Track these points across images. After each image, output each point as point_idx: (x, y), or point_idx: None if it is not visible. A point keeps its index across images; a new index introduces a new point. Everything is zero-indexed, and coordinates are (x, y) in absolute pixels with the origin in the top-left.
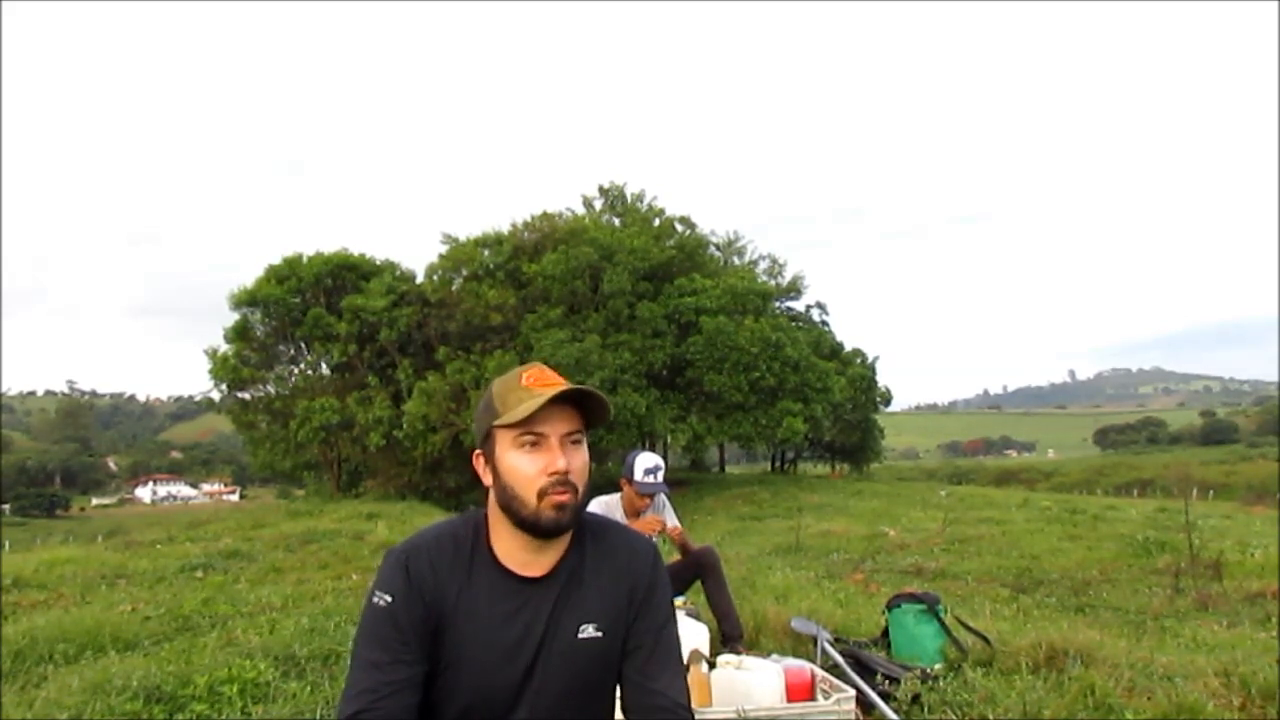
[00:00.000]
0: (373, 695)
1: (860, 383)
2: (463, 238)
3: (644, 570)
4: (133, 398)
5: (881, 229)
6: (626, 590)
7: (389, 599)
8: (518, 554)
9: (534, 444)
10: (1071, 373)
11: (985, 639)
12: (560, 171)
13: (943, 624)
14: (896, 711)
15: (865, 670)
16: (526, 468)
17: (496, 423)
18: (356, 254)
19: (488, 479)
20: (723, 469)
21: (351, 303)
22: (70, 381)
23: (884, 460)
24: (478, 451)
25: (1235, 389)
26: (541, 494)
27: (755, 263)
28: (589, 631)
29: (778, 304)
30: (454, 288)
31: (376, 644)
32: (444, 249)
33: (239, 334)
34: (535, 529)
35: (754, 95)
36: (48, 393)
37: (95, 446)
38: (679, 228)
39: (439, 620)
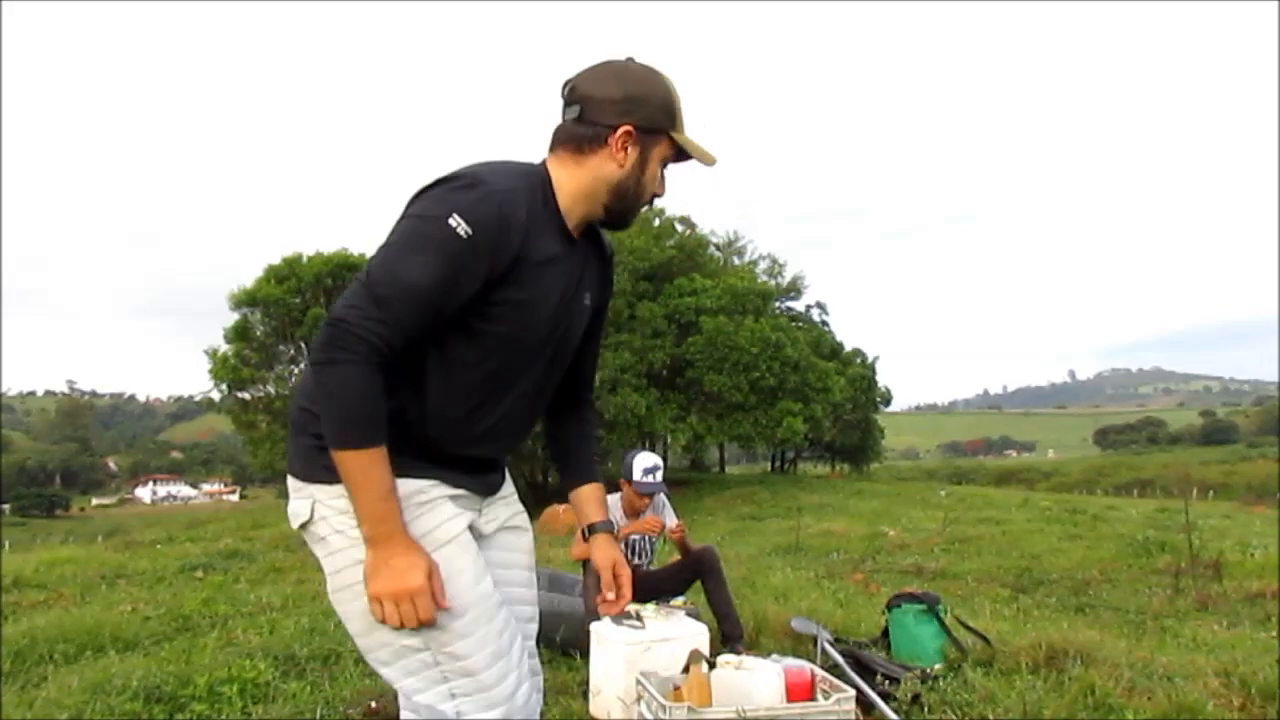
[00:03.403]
0: (396, 323)
1: (860, 383)
2: None
3: (612, 268)
4: (133, 398)
5: (881, 229)
6: (606, 280)
7: (469, 233)
8: (573, 219)
9: (665, 171)
10: (1071, 373)
11: (985, 639)
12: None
13: (943, 624)
14: (896, 711)
15: (865, 670)
16: (654, 187)
17: (674, 133)
18: (356, 254)
19: (622, 157)
20: (723, 469)
21: None
22: (70, 381)
23: (884, 460)
24: (629, 127)
25: (1235, 389)
26: (639, 206)
27: (755, 263)
28: (586, 300)
29: (778, 304)
30: None
31: (436, 273)
32: None
33: (239, 334)
34: (609, 222)
35: (754, 95)
36: (48, 393)
37: (95, 446)
38: (679, 228)
39: (510, 267)
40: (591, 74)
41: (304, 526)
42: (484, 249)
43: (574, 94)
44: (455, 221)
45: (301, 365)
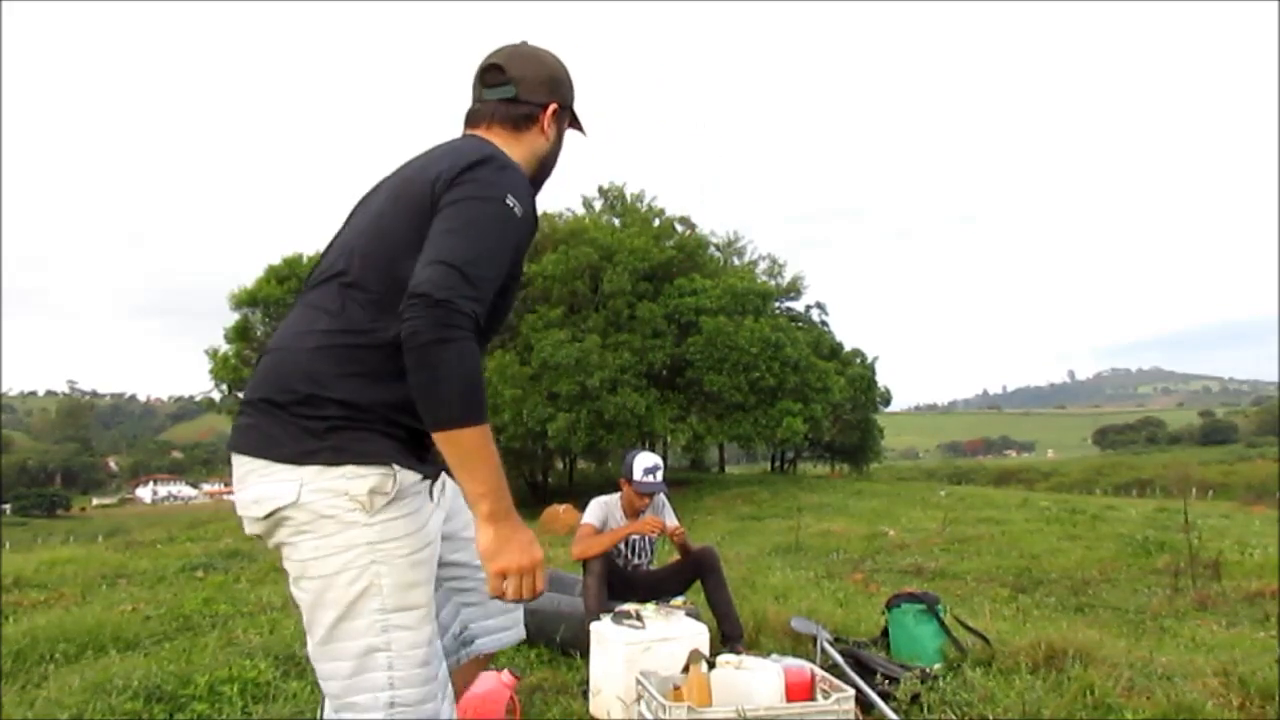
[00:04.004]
0: (485, 301)
1: (860, 383)
2: None
3: None
4: (133, 398)
5: (881, 229)
6: None
7: (522, 211)
8: None
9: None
10: (1071, 373)
11: (985, 639)
12: (560, 171)
13: (942, 624)
14: (896, 711)
15: (865, 670)
16: (561, 157)
17: (575, 108)
18: None
19: (550, 132)
20: (723, 469)
21: None
22: (71, 381)
23: (884, 460)
24: (556, 105)
25: (1234, 389)
26: (551, 175)
27: (755, 263)
28: None
29: (778, 304)
30: None
31: (508, 252)
32: None
33: (239, 334)
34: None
35: (756, 96)
36: (48, 393)
37: (96, 446)
38: (679, 228)
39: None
40: (514, 57)
41: (276, 512)
42: (530, 225)
43: (503, 76)
44: (511, 201)
45: None
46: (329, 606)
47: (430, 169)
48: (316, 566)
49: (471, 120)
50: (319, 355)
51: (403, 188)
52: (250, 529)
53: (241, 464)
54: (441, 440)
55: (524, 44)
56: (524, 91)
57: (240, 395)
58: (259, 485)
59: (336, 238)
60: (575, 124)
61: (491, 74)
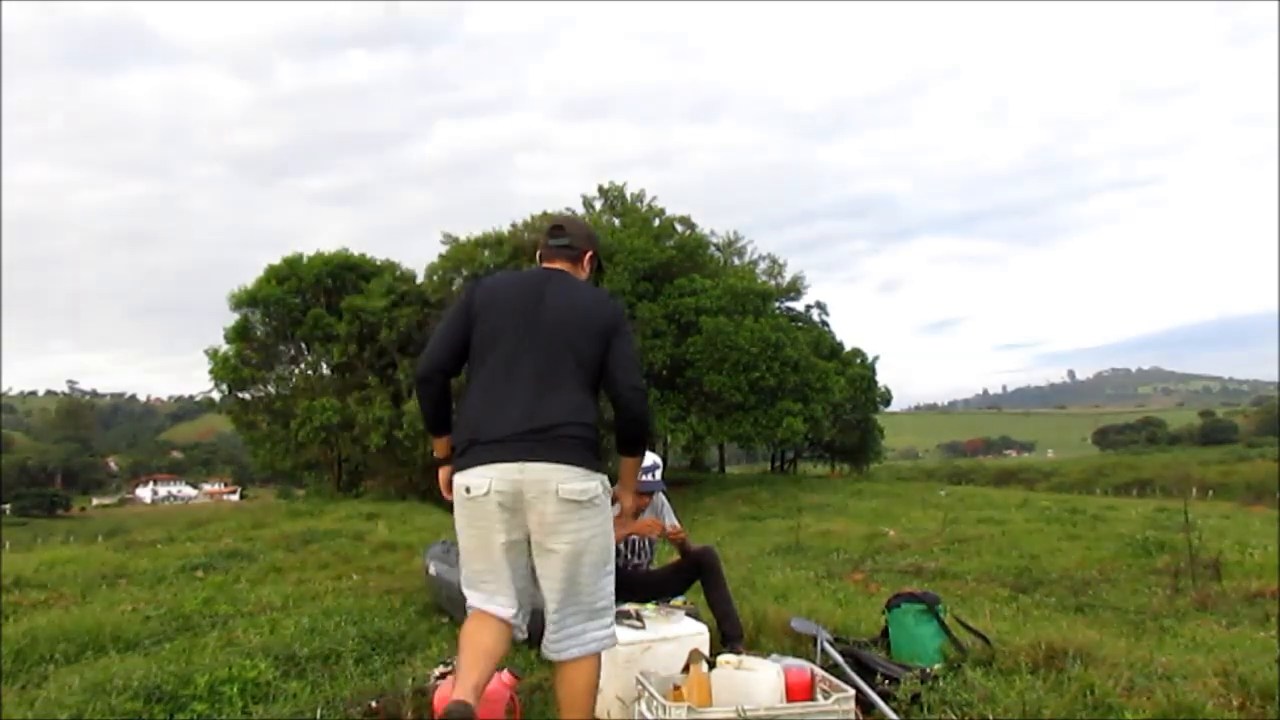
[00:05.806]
0: None
1: (860, 383)
2: (463, 238)
3: None
4: (133, 398)
5: (882, 229)
6: None
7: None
8: None
9: None
10: (1071, 373)
11: (985, 639)
12: (560, 171)
13: (942, 624)
14: (896, 711)
15: (865, 670)
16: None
17: (600, 254)
18: (357, 254)
19: (589, 268)
20: (723, 469)
21: (351, 303)
22: (70, 381)
23: (884, 460)
24: (592, 252)
25: (1234, 389)
26: None
27: (755, 263)
28: None
29: (778, 304)
30: (454, 288)
31: None
32: (444, 249)
33: (239, 334)
34: None
35: (754, 95)
36: (48, 392)
37: (95, 446)
38: (679, 228)
39: None
40: (569, 222)
41: (592, 494)
42: None
43: (563, 233)
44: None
45: (301, 365)
46: (608, 553)
47: (603, 314)
48: (606, 526)
49: (547, 258)
50: (585, 415)
51: (587, 324)
52: (558, 507)
53: (567, 468)
54: (636, 454)
55: (573, 214)
56: (575, 243)
57: (240, 395)
58: (584, 481)
59: (524, 331)
60: (600, 266)
61: (555, 232)
